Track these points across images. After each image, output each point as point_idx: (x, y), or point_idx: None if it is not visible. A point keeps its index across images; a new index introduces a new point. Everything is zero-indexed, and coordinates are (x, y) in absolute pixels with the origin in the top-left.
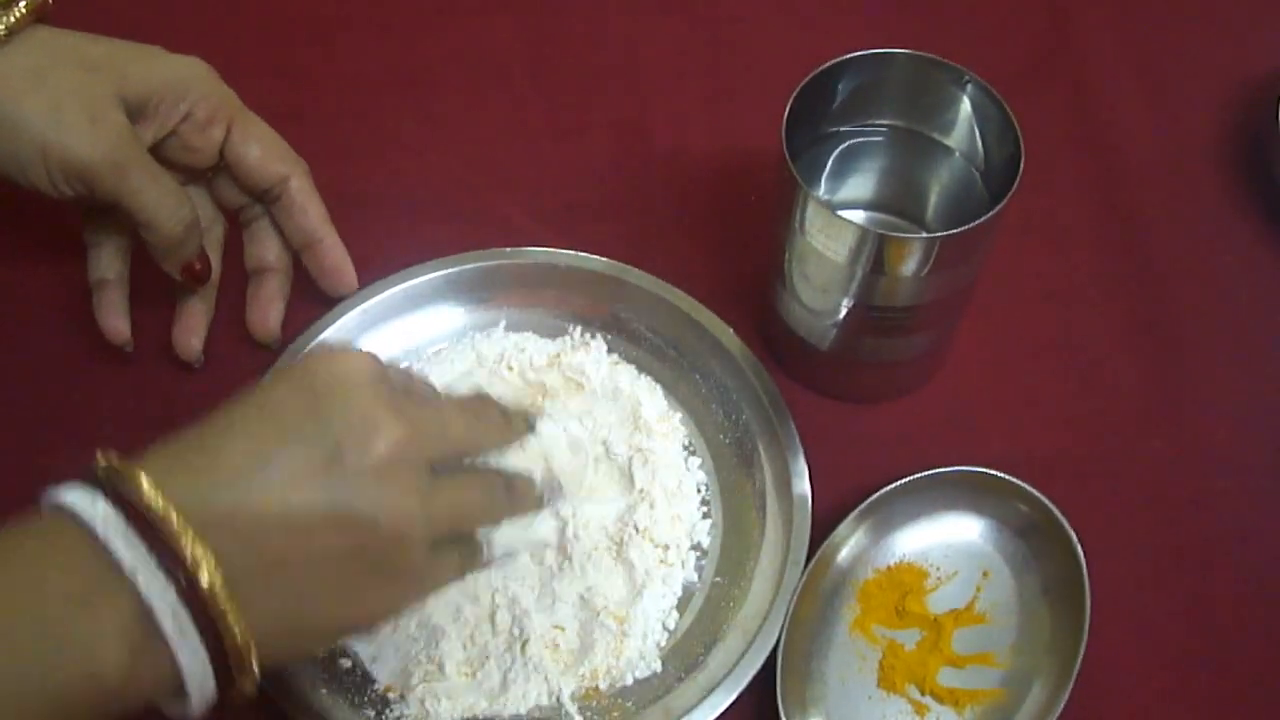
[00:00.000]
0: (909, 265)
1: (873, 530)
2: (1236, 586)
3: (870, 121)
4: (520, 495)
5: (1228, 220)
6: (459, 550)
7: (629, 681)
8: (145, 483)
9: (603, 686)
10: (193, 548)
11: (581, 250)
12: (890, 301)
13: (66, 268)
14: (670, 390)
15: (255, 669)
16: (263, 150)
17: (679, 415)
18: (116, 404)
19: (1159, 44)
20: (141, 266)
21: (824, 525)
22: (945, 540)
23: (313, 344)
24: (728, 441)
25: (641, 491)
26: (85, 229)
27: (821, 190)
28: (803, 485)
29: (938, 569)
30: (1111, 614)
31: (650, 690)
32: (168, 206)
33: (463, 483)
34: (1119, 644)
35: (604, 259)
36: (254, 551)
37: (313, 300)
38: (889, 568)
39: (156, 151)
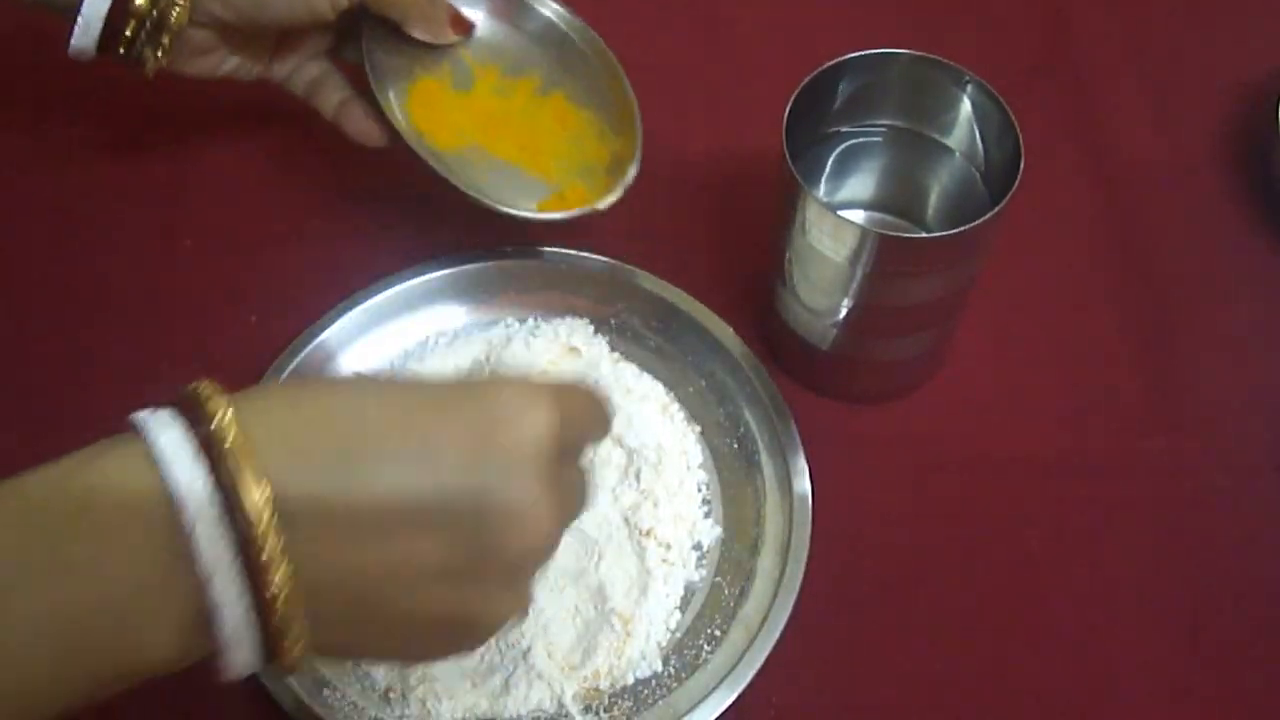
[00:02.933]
0: (909, 265)
1: None
2: (1236, 586)
3: (870, 121)
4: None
5: (1228, 220)
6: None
7: (630, 681)
8: (259, 492)
9: (604, 686)
10: (283, 574)
11: (582, 250)
12: (891, 301)
13: (65, 272)
14: (670, 390)
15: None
16: None
17: (680, 415)
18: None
19: (1159, 44)
20: (128, 274)
21: (824, 524)
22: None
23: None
24: (728, 441)
25: (644, 491)
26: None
27: (822, 190)
28: (803, 484)
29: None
30: (1112, 613)
31: (651, 690)
32: None
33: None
34: (1119, 643)
35: (604, 259)
36: (345, 593)
37: (312, 298)
38: None
39: None
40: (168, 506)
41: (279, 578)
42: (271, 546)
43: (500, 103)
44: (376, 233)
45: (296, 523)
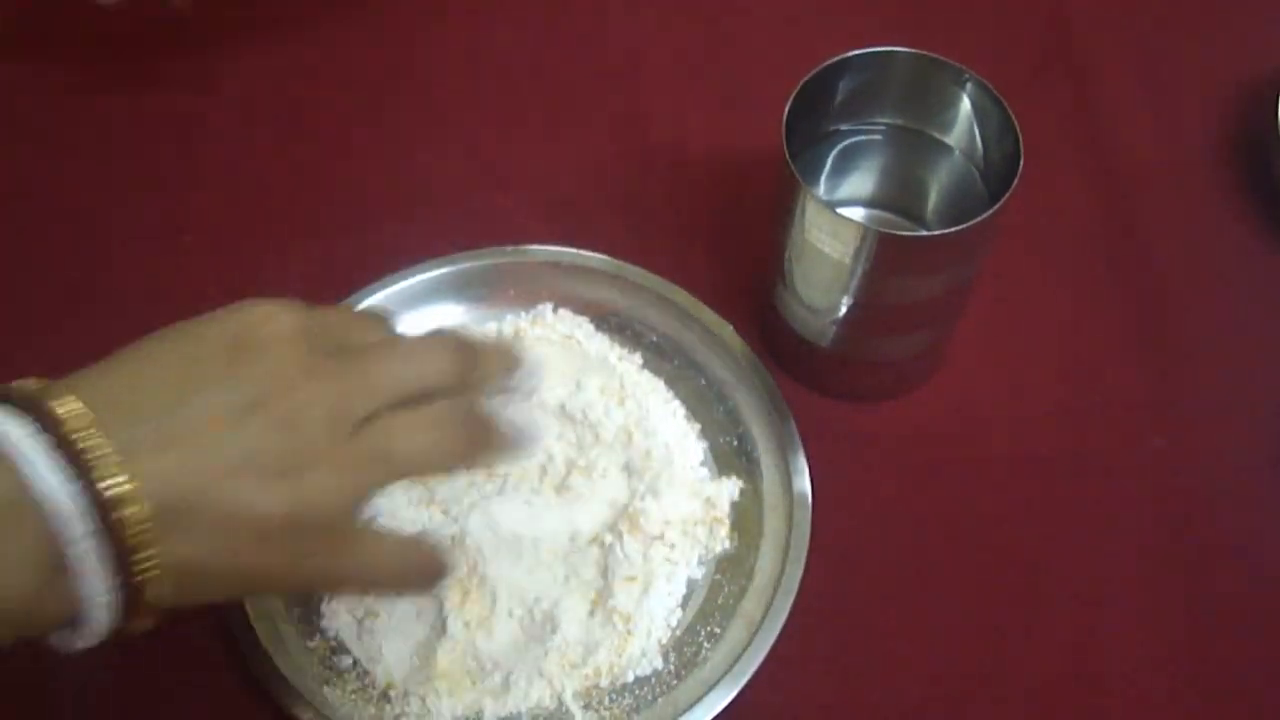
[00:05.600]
0: (909, 264)
1: None
2: (1236, 586)
3: (870, 120)
4: (482, 437)
5: (1228, 220)
6: (410, 546)
7: (630, 679)
8: (74, 406)
9: (604, 684)
10: (121, 478)
11: (582, 248)
12: (890, 300)
13: (63, 268)
14: (670, 389)
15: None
16: None
17: (680, 413)
18: None
19: (1159, 43)
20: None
21: (824, 523)
22: None
23: None
24: (728, 439)
25: (646, 489)
26: None
27: (821, 189)
28: (803, 483)
29: None
30: (1112, 613)
31: (651, 687)
32: None
33: (398, 426)
34: (1119, 643)
35: (604, 257)
36: (174, 488)
37: (312, 296)
38: None
39: None
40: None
41: (116, 475)
42: (96, 441)
43: None
44: (376, 231)
45: (109, 421)
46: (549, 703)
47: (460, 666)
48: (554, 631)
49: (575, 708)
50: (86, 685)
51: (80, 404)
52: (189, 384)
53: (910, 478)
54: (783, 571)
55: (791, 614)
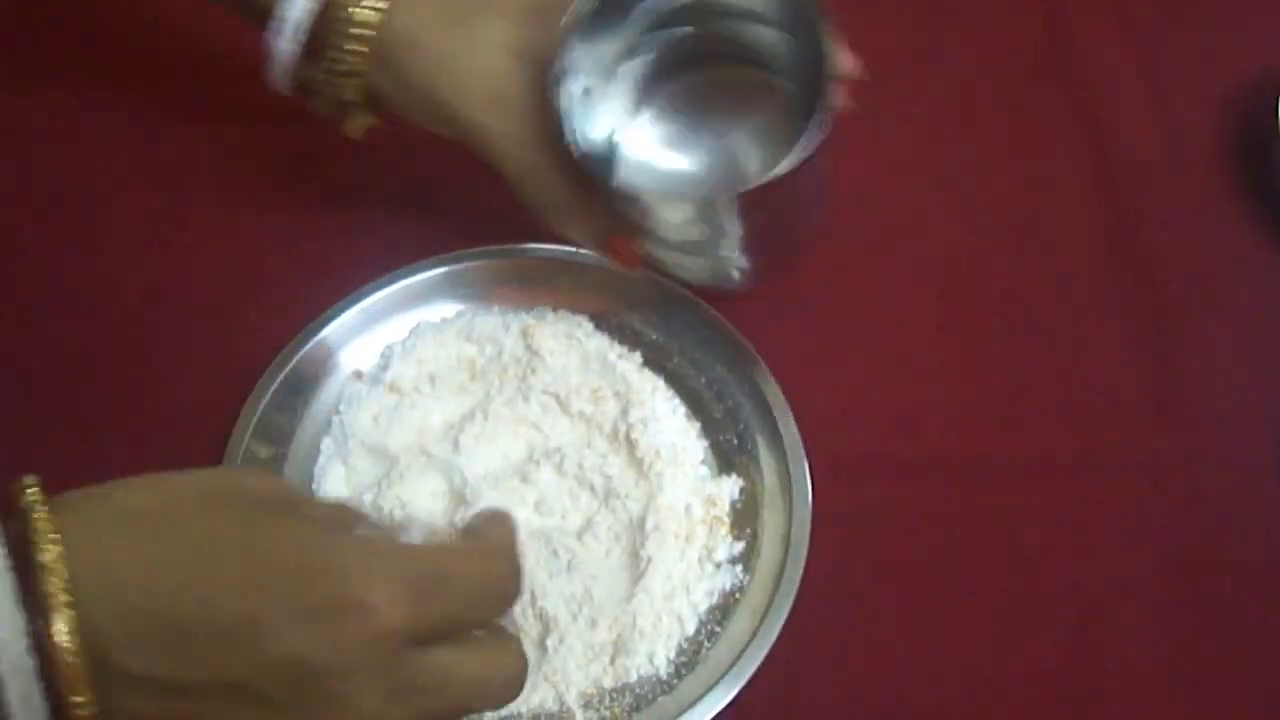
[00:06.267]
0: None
1: None
2: (1236, 586)
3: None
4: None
5: (1228, 220)
6: None
7: (633, 679)
8: (59, 553)
9: (607, 685)
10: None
11: (582, 248)
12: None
13: (62, 269)
14: (670, 387)
15: None
16: None
17: (680, 411)
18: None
19: (1159, 44)
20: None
21: (824, 522)
22: None
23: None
24: (728, 438)
25: (647, 487)
26: None
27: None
28: (803, 482)
29: None
30: (1112, 613)
31: (652, 686)
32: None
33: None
34: (1118, 642)
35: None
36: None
37: (312, 295)
38: None
39: None
40: None
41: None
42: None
43: None
44: (376, 230)
45: (110, 671)
46: (551, 704)
47: None
48: (562, 640)
49: (576, 707)
50: None
51: (64, 562)
52: (238, 647)
53: (911, 477)
54: (783, 570)
55: (792, 613)
